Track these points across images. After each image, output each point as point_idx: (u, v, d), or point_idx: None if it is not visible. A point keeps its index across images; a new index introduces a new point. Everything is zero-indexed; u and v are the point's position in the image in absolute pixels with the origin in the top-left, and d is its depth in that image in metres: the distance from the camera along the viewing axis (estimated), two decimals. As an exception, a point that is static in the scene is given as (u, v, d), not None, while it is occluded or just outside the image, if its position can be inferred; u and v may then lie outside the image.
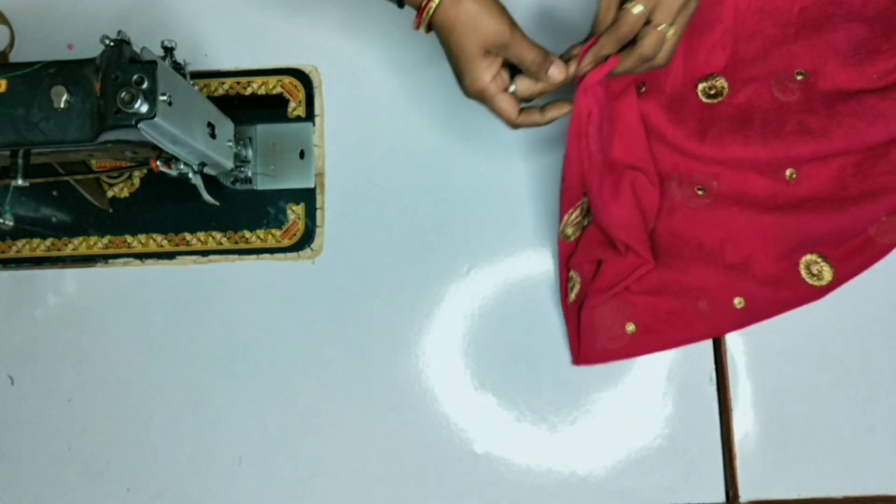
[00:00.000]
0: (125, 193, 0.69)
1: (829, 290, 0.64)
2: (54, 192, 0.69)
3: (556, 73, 0.57)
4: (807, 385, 0.64)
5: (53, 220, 0.69)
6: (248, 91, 0.71)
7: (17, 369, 0.67)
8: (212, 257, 0.68)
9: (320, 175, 0.69)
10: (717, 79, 0.68)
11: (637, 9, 0.54)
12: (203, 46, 0.71)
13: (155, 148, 0.55)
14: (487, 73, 0.56)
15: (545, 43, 0.57)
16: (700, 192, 0.66)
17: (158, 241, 0.69)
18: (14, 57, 0.71)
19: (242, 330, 0.67)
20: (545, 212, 0.68)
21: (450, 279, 0.67)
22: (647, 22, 0.55)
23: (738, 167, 0.66)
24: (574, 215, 0.66)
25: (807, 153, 0.64)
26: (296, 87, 0.71)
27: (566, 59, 0.58)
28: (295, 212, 0.69)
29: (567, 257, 0.66)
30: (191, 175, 0.58)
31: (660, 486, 0.64)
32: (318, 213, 0.69)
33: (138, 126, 0.50)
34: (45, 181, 0.62)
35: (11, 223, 0.59)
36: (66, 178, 0.63)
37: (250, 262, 0.68)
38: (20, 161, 0.52)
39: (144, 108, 0.49)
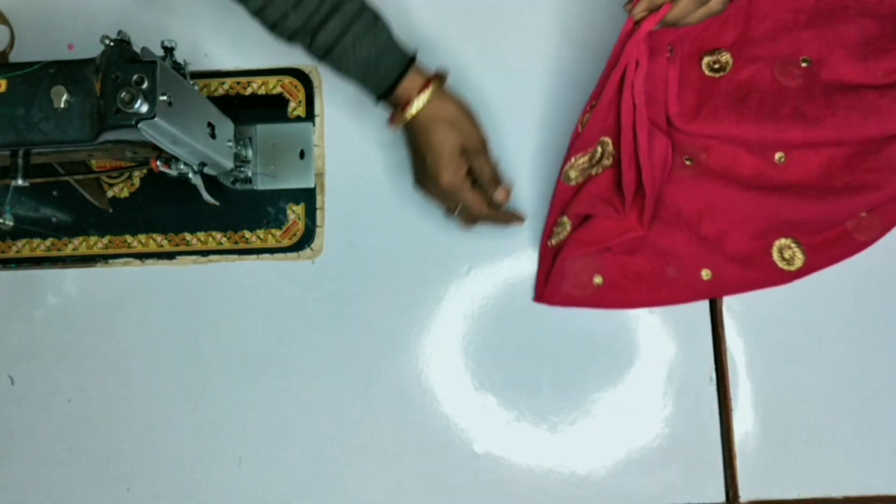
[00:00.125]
0: (125, 193, 0.69)
1: (797, 277, 0.65)
2: (54, 192, 0.69)
3: (502, 194, 0.63)
4: (807, 385, 0.65)
5: (53, 220, 0.69)
6: (248, 91, 0.71)
7: (17, 369, 0.67)
8: (212, 257, 0.68)
9: (320, 175, 0.69)
10: (723, 53, 0.68)
11: None
12: (203, 46, 0.71)
13: (155, 148, 0.55)
14: (462, 170, 0.61)
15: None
16: (688, 163, 0.66)
17: (158, 241, 0.69)
18: (14, 57, 0.71)
19: (242, 330, 0.67)
20: (545, 212, 0.68)
21: (450, 279, 0.67)
22: None
23: (728, 143, 0.66)
24: (582, 160, 0.65)
25: (798, 138, 0.64)
26: (296, 87, 0.71)
27: (626, 8, 0.56)
28: (295, 212, 0.69)
29: (562, 200, 0.66)
30: (191, 175, 0.58)
31: (660, 486, 0.64)
32: (318, 213, 0.69)
33: (138, 126, 0.50)
34: (45, 181, 0.62)
35: (11, 223, 0.59)
36: (66, 178, 0.63)
37: (250, 262, 0.68)
38: (20, 161, 0.52)
39: (144, 108, 0.49)
